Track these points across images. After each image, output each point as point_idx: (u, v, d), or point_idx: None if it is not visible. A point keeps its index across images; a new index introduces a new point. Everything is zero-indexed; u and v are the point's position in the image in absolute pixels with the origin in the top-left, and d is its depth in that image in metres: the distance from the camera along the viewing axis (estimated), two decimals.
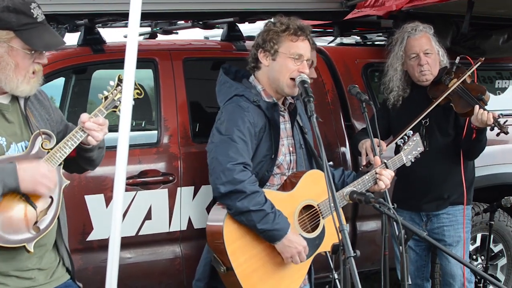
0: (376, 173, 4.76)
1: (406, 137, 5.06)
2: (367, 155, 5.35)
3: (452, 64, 5.66)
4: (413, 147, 5.06)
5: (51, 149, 3.58)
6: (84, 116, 3.62)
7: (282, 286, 4.60)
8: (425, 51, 5.56)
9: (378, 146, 5.06)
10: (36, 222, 3.50)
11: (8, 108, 3.60)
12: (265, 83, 4.68)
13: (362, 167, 5.41)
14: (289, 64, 4.56)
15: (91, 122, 3.60)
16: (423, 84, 5.63)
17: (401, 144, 5.05)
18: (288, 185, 4.67)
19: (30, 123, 3.64)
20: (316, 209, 4.63)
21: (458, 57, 5.68)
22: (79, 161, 3.80)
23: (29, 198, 3.47)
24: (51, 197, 3.56)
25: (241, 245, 4.48)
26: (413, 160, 5.07)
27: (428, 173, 5.48)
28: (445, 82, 5.56)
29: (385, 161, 4.86)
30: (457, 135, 5.62)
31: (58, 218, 3.67)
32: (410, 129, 5.34)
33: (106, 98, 3.71)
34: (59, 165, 3.59)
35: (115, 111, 3.71)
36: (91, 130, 3.61)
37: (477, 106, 5.30)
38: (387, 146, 5.45)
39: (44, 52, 3.61)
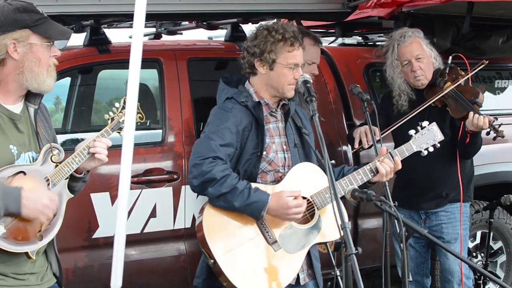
0: (377, 161, 4.74)
1: (419, 127, 4.95)
2: (360, 141, 5.37)
3: (445, 65, 5.64)
4: (426, 136, 4.95)
5: (60, 162, 3.70)
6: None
7: (274, 275, 4.57)
8: (416, 57, 5.54)
9: (374, 135, 5.06)
10: (39, 231, 3.61)
11: (20, 118, 3.69)
12: (259, 88, 4.70)
13: (353, 150, 5.47)
14: (286, 74, 4.59)
15: (98, 143, 3.78)
16: (420, 88, 5.62)
17: (413, 134, 4.94)
18: (280, 180, 4.68)
19: (38, 134, 3.74)
20: (309, 200, 4.62)
21: (450, 57, 5.65)
22: None
23: None
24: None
25: (222, 237, 4.50)
26: (430, 150, 4.95)
27: (427, 172, 5.47)
28: (439, 85, 5.55)
29: (390, 150, 4.82)
30: (454, 135, 5.60)
31: None
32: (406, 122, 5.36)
33: (112, 119, 3.87)
34: (66, 179, 3.72)
35: (119, 133, 3.87)
36: (98, 152, 3.77)
37: (471, 112, 5.29)
38: (381, 134, 5.39)
39: (54, 45, 3.72)
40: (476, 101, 5.37)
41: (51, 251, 3.89)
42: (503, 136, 5.33)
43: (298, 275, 4.70)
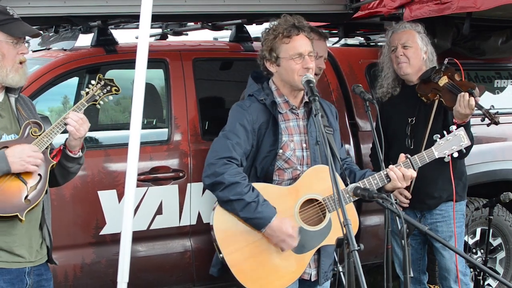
0: (388, 171, 4.67)
1: (445, 132, 4.87)
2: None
3: (441, 65, 5.62)
4: (451, 142, 4.82)
5: (40, 135, 3.99)
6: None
7: (279, 275, 4.59)
8: (403, 44, 5.54)
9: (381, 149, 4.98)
10: (27, 196, 3.89)
11: (1, 106, 4.02)
12: (279, 85, 4.70)
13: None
14: (293, 65, 4.57)
15: (71, 114, 4.02)
16: (405, 78, 5.61)
17: (437, 139, 4.84)
18: (296, 180, 4.66)
19: (19, 118, 4.04)
20: (321, 203, 4.61)
21: (446, 59, 5.63)
22: (57, 169, 4.11)
23: (20, 175, 3.87)
24: (39, 174, 3.94)
25: (231, 234, 4.53)
26: (455, 155, 4.86)
27: (419, 173, 5.40)
28: (434, 80, 5.51)
29: (409, 156, 4.76)
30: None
31: (43, 204, 4.07)
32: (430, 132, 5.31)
33: (87, 93, 4.16)
34: (46, 148, 3.99)
35: (95, 104, 4.18)
36: (69, 123, 3.99)
37: (462, 93, 5.22)
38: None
39: (25, 44, 4.04)
40: (473, 92, 5.31)
41: (45, 226, 4.10)
42: (497, 123, 5.28)
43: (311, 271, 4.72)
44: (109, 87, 4.20)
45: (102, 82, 4.17)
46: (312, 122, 4.72)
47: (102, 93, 4.16)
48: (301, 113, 4.74)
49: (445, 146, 4.82)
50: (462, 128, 4.92)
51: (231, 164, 4.48)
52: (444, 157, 4.84)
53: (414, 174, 4.73)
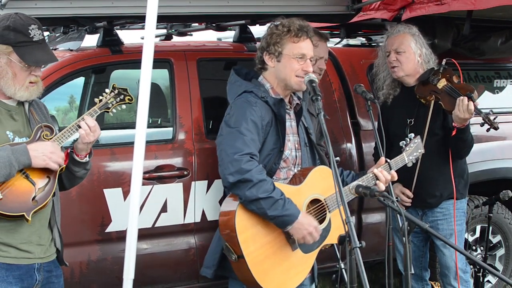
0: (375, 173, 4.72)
1: (408, 139, 4.99)
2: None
3: (439, 66, 5.62)
4: (414, 149, 4.99)
5: (51, 138, 3.99)
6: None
7: (291, 275, 4.57)
8: (396, 49, 5.55)
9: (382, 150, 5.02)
10: (34, 197, 3.86)
11: (16, 110, 4.02)
12: (273, 82, 4.68)
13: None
14: (293, 64, 4.56)
15: (84, 122, 4.00)
16: (401, 80, 5.63)
17: (403, 146, 4.98)
18: (296, 180, 4.65)
19: (31, 122, 4.04)
20: (323, 203, 4.61)
21: (444, 60, 5.63)
22: (64, 172, 4.09)
23: (28, 176, 3.86)
24: (48, 176, 3.93)
25: (252, 234, 4.45)
26: (414, 161, 5.02)
27: (419, 173, 5.41)
28: (432, 82, 5.51)
29: (388, 160, 4.82)
30: (445, 135, 5.54)
31: (53, 204, 4.07)
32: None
33: (100, 100, 4.16)
34: None
35: (107, 111, 4.19)
36: (84, 125, 3.99)
37: (461, 97, 5.25)
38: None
39: (40, 66, 4.00)
40: (471, 96, 5.31)
41: (55, 227, 4.11)
42: (496, 128, 5.30)
43: None
44: (122, 96, 4.20)
45: (116, 91, 4.18)
46: (302, 124, 4.76)
47: (115, 101, 4.17)
48: (292, 114, 4.75)
49: (410, 153, 5.00)
50: (419, 136, 5.10)
51: (254, 161, 4.38)
52: (408, 163, 5.00)
53: (395, 176, 4.84)
